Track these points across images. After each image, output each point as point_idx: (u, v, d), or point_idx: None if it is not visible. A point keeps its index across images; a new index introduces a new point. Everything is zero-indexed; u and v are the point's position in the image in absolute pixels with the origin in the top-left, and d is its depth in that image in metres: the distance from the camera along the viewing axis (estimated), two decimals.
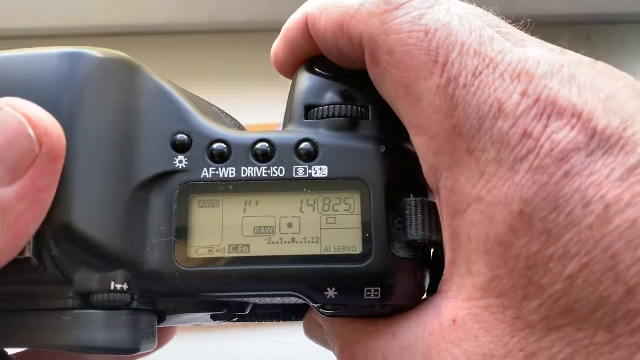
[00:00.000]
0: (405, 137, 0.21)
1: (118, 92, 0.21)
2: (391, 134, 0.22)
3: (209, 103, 0.24)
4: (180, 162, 0.21)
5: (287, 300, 0.22)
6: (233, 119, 0.26)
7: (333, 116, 0.22)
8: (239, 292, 0.21)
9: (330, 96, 0.22)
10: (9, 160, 0.17)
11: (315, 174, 0.21)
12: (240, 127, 0.26)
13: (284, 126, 0.23)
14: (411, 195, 0.21)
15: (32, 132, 0.18)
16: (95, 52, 0.21)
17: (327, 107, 0.22)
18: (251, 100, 0.77)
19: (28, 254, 0.19)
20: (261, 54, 0.82)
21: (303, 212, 0.21)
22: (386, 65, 0.20)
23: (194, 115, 0.22)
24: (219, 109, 0.25)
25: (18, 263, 0.19)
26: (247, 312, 0.24)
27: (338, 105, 0.22)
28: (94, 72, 0.21)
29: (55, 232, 0.19)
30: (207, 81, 0.79)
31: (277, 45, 0.25)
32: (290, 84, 0.24)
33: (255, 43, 0.83)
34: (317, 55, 0.23)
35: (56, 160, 0.18)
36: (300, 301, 0.21)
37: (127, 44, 0.81)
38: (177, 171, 0.21)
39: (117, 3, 0.78)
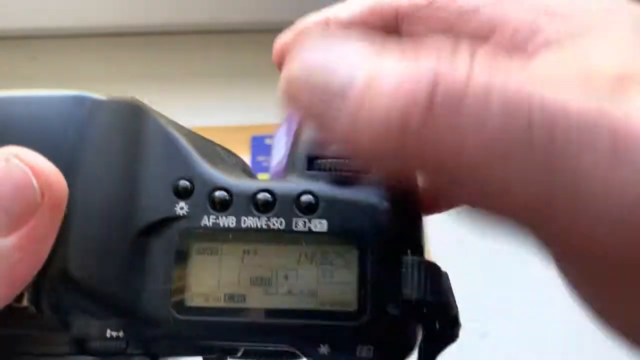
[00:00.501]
0: (408, 191, 0.21)
1: (122, 137, 0.21)
2: (392, 189, 0.22)
3: (212, 142, 0.24)
4: (182, 208, 0.21)
5: (279, 348, 0.22)
6: (235, 156, 0.25)
7: (335, 170, 0.22)
8: (233, 342, 0.21)
9: (333, 149, 0.22)
10: (10, 210, 0.18)
11: (315, 227, 0.21)
12: (243, 166, 0.26)
13: (288, 170, 0.23)
14: (409, 253, 0.21)
15: (35, 184, 0.18)
16: (100, 95, 0.21)
17: (329, 160, 0.22)
18: (251, 100, 0.77)
19: (25, 302, 0.19)
20: (261, 54, 0.82)
21: (300, 265, 0.21)
22: None
23: (197, 160, 0.22)
24: (221, 147, 0.25)
25: (14, 310, 0.19)
26: (239, 355, 0.24)
27: (342, 160, 0.22)
28: (98, 117, 0.21)
29: (53, 279, 0.19)
30: (207, 81, 0.79)
31: (288, 38, 0.24)
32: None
33: (255, 43, 0.83)
34: None
35: (57, 212, 0.19)
36: (292, 349, 0.21)
37: (127, 44, 0.81)
38: (177, 217, 0.21)
39: (117, 3, 0.78)
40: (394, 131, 0.15)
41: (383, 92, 0.15)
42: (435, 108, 0.14)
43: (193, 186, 0.21)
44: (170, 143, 0.22)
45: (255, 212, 0.21)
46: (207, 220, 0.21)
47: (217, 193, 0.21)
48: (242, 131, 0.75)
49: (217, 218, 0.21)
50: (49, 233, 0.19)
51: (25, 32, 0.80)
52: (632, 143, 0.13)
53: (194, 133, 0.23)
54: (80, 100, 0.21)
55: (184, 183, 0.21)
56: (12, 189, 0.18)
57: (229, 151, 0.25)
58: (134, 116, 0.21)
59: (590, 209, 0.13)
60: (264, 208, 0.21)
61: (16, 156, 0.18)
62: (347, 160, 0.22)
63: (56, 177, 0.19)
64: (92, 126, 0.21)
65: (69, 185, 0.19)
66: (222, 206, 0.21)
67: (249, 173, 0.25)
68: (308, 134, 0.23)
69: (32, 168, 0.18)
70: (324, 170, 0.22)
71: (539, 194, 0.14)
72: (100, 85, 0.87)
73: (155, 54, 0.81)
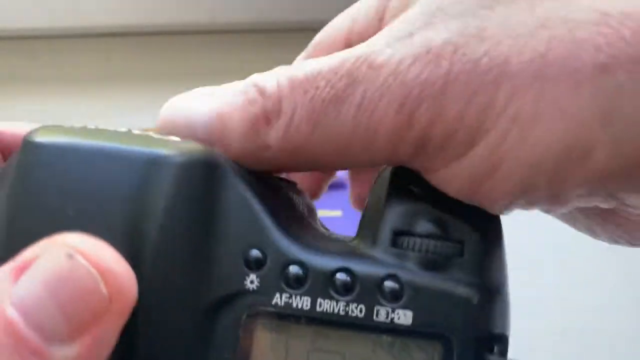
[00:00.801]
0: (500, 278, 0.20)
1: (195, 202, 0.19)
2: (484, 277, 0.20)
3: (280, 185, 0.22)
4: (252, 282, 0.19)
5: None
6: (303, 196, 0.23)
7: (425, 251, 0.20)
8: None
9: (423, 226, 0.20)
10: (73, 317, 0.15)
11: (398, 319, 0.19)
12: (309, 207, 0.24)
13: (361, 233, 0.21)
14: (494, 348, 0.19)
15: (103, 289, 0.16)
16: (176, 153, 0.19)
17: (419, 239, 0.20)
18: None
19: None
20: (261, 54, 0.82)
21: (375, 354, 0.19)
22: None
23: (271, 228, 0.19)
24: (287, 185, 0.23)
25: None
26: None
27: (432, 240, 0.20)
28: (169, 178, 0.19)
29: None
30: (206, 81, 0.79)
31: None
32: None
33: (255, 43, 0.83)
34: (411, 170, 0.21)
35: (124, 316, 0.17)
36: None
37: (127, 44, 0.81)
38: (247, 292, 0.19)
39: (117, 3, 0.78)
40: (257, 141, 0.20)
41: (234, 122, 0.20)
42: (269, 115, 0.19)
43: (266, 257, 0.19)
44: (245, 208, 0.19)
45: (332, 293, 0.19)
46: (279, 299, 0.19)
47: (292, 268, 0.19)
48: None
49: (290, 297, 0.19)
50: (113, 338, 0.17)
51: (25, 32, 0.80)
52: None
53: (266, 182, 0.21)
54: (154, 162, 0.19)
55: (255, 253, 0.19)
56: (75, 293, 0.15)
57: (296, 189, 0.23)
58: (209, 177, 0.19)
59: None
60: (343, 290, 0.19)
61: (81, 253, 0.16)
62: (437, 241, 0.20)
63: (127, 277, 0.16)
64: (163, 189, 0.18)
65: (134, 260, 0.17)
66: (296, 283, 0.19)
67: (314, 217, 0.23)
68: (395, 204, 0.20)
69: (99, 269, 0.16)
70: (411, 249, 0.20)
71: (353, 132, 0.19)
72: (100, 85, 0.87)
73: (155, 54, 0.81)
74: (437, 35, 0.18)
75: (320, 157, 0.20)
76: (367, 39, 0.22)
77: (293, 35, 0.88)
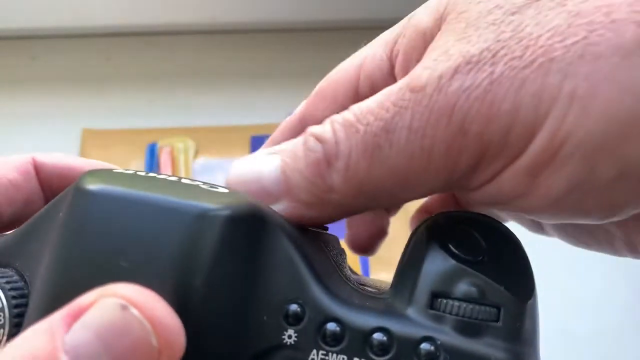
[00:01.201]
0: (532, 339, 0.20)
1: (241, 258, 0.19)
2: (518, 343, 0.20)
3: (314, 229, 0.22)
4: (290, 336, 0.19)
5: None
6: (338, 244, 0.23)
7: (462, 315, 0.20)
8: None
9: (462, 289, 0.20)
10: None
11: None
12: (340, 252, 0.24)
13: (396, 289, 0.21)
14: None
15: (154, 341, 0.16)
16: (221, 206, 0.19)
17: (457, 302, 0.20)
18: (251, 100, 0.77)
19: None
20: (261, 54, 0.82)
21: None
22: None
23: (311, 282, 0.20)
24: (321, 230, 0.23)
25: None
26: None
27: (469, 304, 0.20)
28: (219, 236, 0.19)
29: None
30: (207, 81, 0.79)
31: None
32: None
33: (255, 43, 0.83)
34: (448, 228, 0.21)
35: None
36: None
37: (127, 44, 0.81)
38: (285, 346, 0.19)
39: (117, 3, 0.78)
40: (325, 180, 0.20)
41: (299, 172, 0.21)
42: (335, 160, 0.20)
43: (304, 312, 0.19)
44: (288, 263, 0.20)
45: (369, 353, 0.19)
46: (316, 355, 0.19)
47: (330, 325, 0.19)
48: (242, 131, 0.75)
49: (327, 354, 0.19)
50: None
51: (25, 32, 0.80)
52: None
53: (304, 230, 0.21)
54: (199, 213, 0.19)
55: (294, 308, 0.19)
56: (127, 345, 0.15)
57: (328, 234, 0.24)
58: (253, 230, 0.19)
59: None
60: (380, 351, 0.19)
61: (134, 304, 0.16)
62: (474, 305, 0.20)
63: (176, 330, 0.17)
64: (210, 243, 0.19)
65: (180, 312, 0.17)
66: (333, 340, 0.19)
67: (345, 260, 0.24)
68: (434, 264, 0.20)
69: (152, 322, 0.16)
70: (448, 313, 0.20)
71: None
72: (100, 85, 0.87)
73: (155, 54, 0.81)
74: (473, 46, 0.18)
75: (382, 189, 0.20)
76: (376, 79, 0.24)
77: (293, 35, 0.88)
